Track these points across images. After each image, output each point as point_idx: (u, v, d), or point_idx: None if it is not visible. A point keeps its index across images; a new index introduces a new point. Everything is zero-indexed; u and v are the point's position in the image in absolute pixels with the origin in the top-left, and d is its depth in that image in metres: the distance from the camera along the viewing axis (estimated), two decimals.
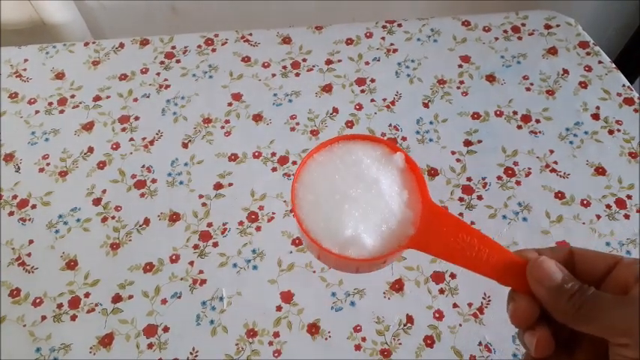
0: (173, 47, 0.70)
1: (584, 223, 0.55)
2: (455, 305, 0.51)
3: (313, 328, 0.50)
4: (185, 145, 0.62)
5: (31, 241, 0.56)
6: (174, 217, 0.57)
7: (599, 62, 0.67)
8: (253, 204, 0.57)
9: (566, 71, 0.66)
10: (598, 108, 0.63)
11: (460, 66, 0.67)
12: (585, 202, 0.56)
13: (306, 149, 0.61)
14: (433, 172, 0.59)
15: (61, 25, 0.82)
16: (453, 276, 0.52)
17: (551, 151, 0.60)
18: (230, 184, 0.59)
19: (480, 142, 0.61)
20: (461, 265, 0.29)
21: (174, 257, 0.54)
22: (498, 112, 0.63)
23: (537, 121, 0.62)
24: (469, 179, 0.58)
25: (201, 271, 0.53)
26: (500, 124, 0.62)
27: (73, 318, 0.51)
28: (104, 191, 0.59)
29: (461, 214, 0.56)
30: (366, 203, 0.29)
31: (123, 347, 0.49)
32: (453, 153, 0.60)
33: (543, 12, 0.72)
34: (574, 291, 0.26)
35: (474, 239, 0.29)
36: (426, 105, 0.64)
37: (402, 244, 0.29)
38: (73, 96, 0.66)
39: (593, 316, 0.25)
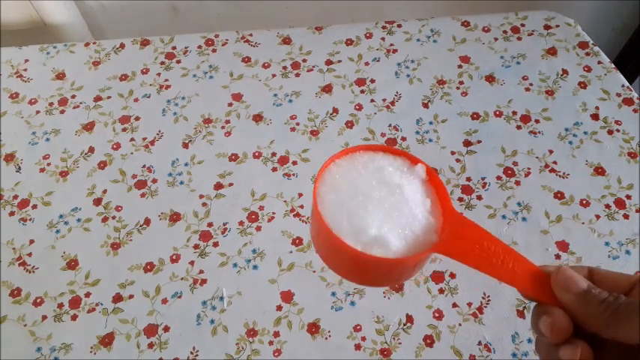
0: (173, 47, 0.71)
1: (583, 223, 0.55)
2: (454, 305, 0.51)
3: (313, 328, 0.50)
4: (185, 145, 0.62)
5: (31, 241, 0.56)
6: (175, 217, 0.57)
7: (599, 62, 0.67)
8: (253, 204, 0.57)
9: (565, 71, 0.66)
10: (597, 108, 0.63)
11: (460, 66, 0.67)
12: (585, 202, 0.56)
13: (307, 149, 0.61)
14: None
15: (61, 25, 0.82)
16: (452, 276, 0.52)
17: (551, 151, 0.60)
18: (230, 184, 0.59)
19: (479, 142, 0.61)
20: (488, 272, 0.28)
21: (174, 257, 0.54)
22: (498, 113, 0.63)
23: (537, 121, 0.62)
24: (469, 179, 0.58)
25: (201, 271, 0.53)
26: (499, 125, 0.62)
27: (74, 318, 0.51)
28: (105, 191, 0.59)
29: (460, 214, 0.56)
30: (390, 206, 0.29)
31: (123, 347, 0.49)
32: (453, 153, 0.60)
33: (543, 12, 0.72)
34: (605, 296, 0.25)
35: (499, 248, 0.28)
36: (425, 105, 0.64)
37: (428, 249, 0.28)
38: (73, 96, 0.66)
39: (630, 322, 0.24)
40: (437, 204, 0.30)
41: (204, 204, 0.57)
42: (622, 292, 0.26)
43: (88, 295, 0.52)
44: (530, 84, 0.65)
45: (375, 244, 0.27)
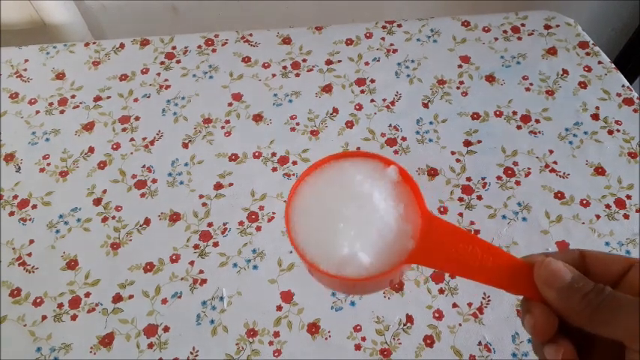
0: (173, 47, 0.71)
1: (583, 223, 0.55)
2: (454, 305, 0.51)
3: (313, 328, 0.50)
4: (185, 145, 0.62)
5: (31, 241, 0.56)
6: (175, 217, 0.57)
7: (599, 62, 0.67)
8: (253, 204, 0.57)
9: (565, 71, 0.66)
10: (597, 108, 0.63)
11: (460, 66, 0.67)
12: (585, 202, 0.56)
13: (307, 149, 0.61)
14: (433, 172, 0.59)
15: (61, 25, 0.82)
16: (452, 276, 0.52)
17: (551, 151, 0.60)
18: (230, 184, 0.59)
19: (479, 142, 0.61)
20: (466, 276, 0.28)
21: (174, 257, 0.54)
22: (498, 113, 0.63)
23: (537, 121, 0.62)
24: (469, 179, 0.58)
25: (201, 271, 0.53)
26: (499, 125, 0.62)
27: (74, 318, 0.51)
28: (104, 191, 0.59)
29: (461, 214, 0.56)
30: (361, 220, 0.28)
31: (123, 347, 0.49)
32: (453, 153, 0.60)
33: (543, 12, 0.72)
34: (587, 290, 0.24)
35: (477, 248, 0.28)
36: (425, 105, 0.64)
37: (402, 259, 0.28)
38: (73, 96, 0.66)
39: (612, 318, 0.23)
40: (413, 206, 0.29)
41: (204, 204, 0.57)
42: (615, 276, 0.26)
43: (87, 295, 0.52)
44: (531, 84, 0.65)
45: (347, 262, 0.27)
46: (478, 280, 0.28)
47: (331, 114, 0.64)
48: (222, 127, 0.63)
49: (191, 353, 0.49)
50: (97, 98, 0.66)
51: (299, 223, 0.29)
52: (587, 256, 0.27)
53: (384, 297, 0.51)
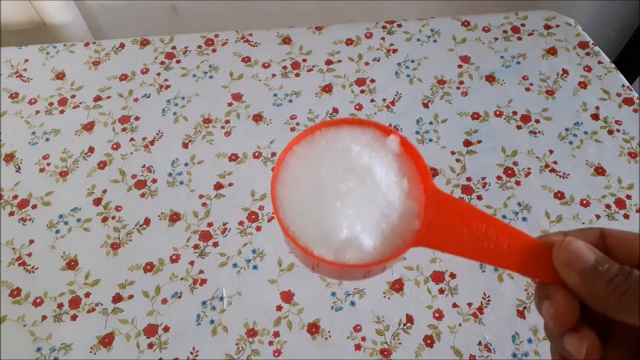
0: (173, 47, 0.71)
1: (583, 223, 0.55)
2: (455, 305, 0.51)
3: (313, 328, 0.50)
4: (185, 145, 0.62)
5: (31, 241, 0.56)
6: (175, 217, 0.57)
7: (599, 62, 0.67)
8: (253, 204, 0.57)
9: (565, 71, 0.66)
10: (597, 108, 0.63)
11: (460, 66, 0.67)
12: (585, 202, 0.56)
13: None
14: (433, 173, 0.59)
15: (61, 25, 0.82)
16: (452, 276, 0.52)
17: (551, 151, 0.60)
18: (230, 184, 0.59)
19: (479, 142, 0.61)
20: (479, 259, 0.25)
21: (174, 257, 0.54)
22: (498, 113, 0.63)
23: (537, 121, 0.62)
24: (469, 179, 0.58)
25: (201, 271, 0.53)
26: (499, 125, 0.62)
27: (74, 318, 0.51)
28: (104, 191, 0.59)
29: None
30: (360, 198, 0.25)
31: (123, 347, 0.49)
32: (453, 153, 0.60)
33: (543, 12, 0.72)
34: (613, 274, 0.22)
35: (491, 228, 0.25)
36: (425, 105, 0.64)
37: (408, 242, 0.25)
38: (73, 96, 0.66)
39: None
40: (417, 181, 0.26)
41: (204, 204, 0.57)
42: (638, 258, 0.23)
43: (87, 295, 0.52)
44: (531, 84, 0.65)
45: (347, 247, 0.24)
46: (492, 264, 0.25)
47: (331, 114, 0.64)
48: (222, 127, 0.63)
49: (191, 353, 0.49)
50: (97, 98, 0.66)
51: (288, 202, 0.25)
52: (609, 236, 0.24)
53: (384, 297, 0.51)
